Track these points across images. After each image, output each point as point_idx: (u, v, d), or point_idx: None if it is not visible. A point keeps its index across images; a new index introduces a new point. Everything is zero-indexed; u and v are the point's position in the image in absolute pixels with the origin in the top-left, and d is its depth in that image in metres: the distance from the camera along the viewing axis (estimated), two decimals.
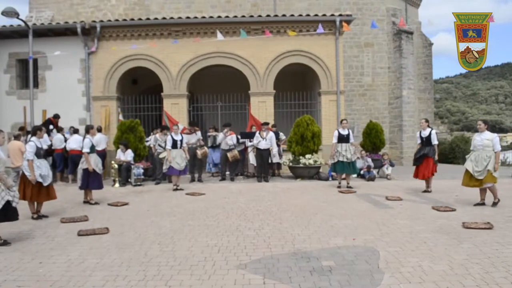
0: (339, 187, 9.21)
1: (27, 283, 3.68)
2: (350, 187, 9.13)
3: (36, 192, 6.36)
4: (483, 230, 5.20)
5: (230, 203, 7.50)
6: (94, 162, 7.65)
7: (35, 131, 6.72)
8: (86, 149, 7.56)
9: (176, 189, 9.17)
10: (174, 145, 9.28)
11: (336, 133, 9.35)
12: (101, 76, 12.67)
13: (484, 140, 6.87)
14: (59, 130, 11.58)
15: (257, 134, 10.69)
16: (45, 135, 10.78)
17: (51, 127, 11.50)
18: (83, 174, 7.61)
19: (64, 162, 11.04)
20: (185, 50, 12.60)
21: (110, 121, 12.60)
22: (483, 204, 6.92)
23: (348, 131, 9.30)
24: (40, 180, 6.30)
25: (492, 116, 59.42)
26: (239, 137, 11.38)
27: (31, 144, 6.40)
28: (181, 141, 9.42)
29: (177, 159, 9.12)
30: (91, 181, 7.61)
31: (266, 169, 10.74)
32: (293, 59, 12.82)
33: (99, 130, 11.05)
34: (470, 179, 6.95)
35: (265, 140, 10.45)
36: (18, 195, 5.26)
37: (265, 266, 4.00)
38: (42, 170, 6.39)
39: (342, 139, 9.20)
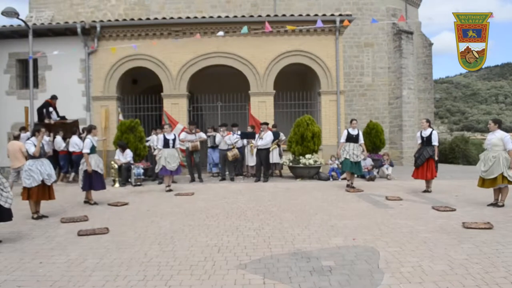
0: (348, 185, 9.19)
1: (27, 283, 3.68)
2: (353, 187, 9.15)
3: (42, 192, 6.39)
4: (483, 230, 5.20)
5: (230, 203, 7.49)
6: (95, 163, 7.59)
7: (34, 132, 6.73)
8: (86, 150, 7.53)
9: (169, 190, 9.09)
10: (166, 144, 9.21)
11: (345, 133, 9.33)
12: (101, 76, 12.68)
13: (493, 139, 6.82)
14: (63, 118, 11.69)
15: (257, 135, 10.74)
16: (60, 138, 10.88)
17: (50, 109, 11.55)
18: (84, 175, 7.56)
19: (69, 163, 11.07)
20: (185, 50, 12.60)
21: (109, 121, 12.58)
22: (496, 204, 6.85)
23: (358, 131, 9.29)
24: (46, 177, 6.35)
25: (492, 116, 59.38)
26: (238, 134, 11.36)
27: (29, 142, 6.49)
28: (174, 140, 9.32)
29: (169, 159, 9.07)
30: (94, 182, 7.58)
31: (265, 168, 10.73)
32: (293, 59, 12.82)
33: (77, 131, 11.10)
34: (483, 180, 6.91)
35: (261, 140, 10.46)
36: (11, 196, 5.24)
37: (265, 266, 4.00)
38: (46, 168, 6.41)
39: (351, 138, 9.18)
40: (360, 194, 8.35)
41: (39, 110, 11.55)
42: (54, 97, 11.78)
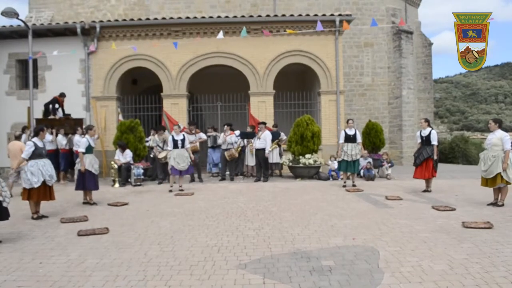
0: (344, 186, 9.27)
1: (27, 283, 3.68)
2: (354, 185, 9.20)
3: (42, 193, 6.39)
4: (483, 230, 5.20)
5: (230, 203, 7.50)
6: (89, 163, 7.59)
7: (37, 131, 6.72)
8: (81, 149, 7.55)
9: (171, 190, 9.09)
10: (175, 145, 9.24)
11: (342, 133, 9.47)
12: (101, 76, 12.68)
13: (493, 139, 6.84)
14: (65, 113, 11.72)
15: (256, 134, 10.76)
16: (61, 136, 10.92)
17: (56, 105, 11.62)
18: (78, 175, 7.60)
19: (70, 161, 11.09)
20: (185, 50, 12.59)
21: (103, 120, 12.50)
22: (495, 203, 6.85)
23: (355, 131, 9.39)
24: (48, 178, 6.36)
25: (492, 116, 59.34)
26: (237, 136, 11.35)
27: (29, 143, 6.45)
28: (183, 141, 9.33)
29: (178, 159, 9.10)
30: (87, 181, 7.56)
31: (264, 168, 10.72)
32: (292, 59, 12.82)
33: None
34: (487, 180, 6.91)
35: (259, 140, 10.47)
36: (9, 195, 5.27)
37: (265, 266, 4.00)
38: (47, 169, 6.41)
39: (349, 139, 9.31)
40: (360, 194, 8.35)
41: (46, 106, 11.64)
42: (62, 95, 11.88)
